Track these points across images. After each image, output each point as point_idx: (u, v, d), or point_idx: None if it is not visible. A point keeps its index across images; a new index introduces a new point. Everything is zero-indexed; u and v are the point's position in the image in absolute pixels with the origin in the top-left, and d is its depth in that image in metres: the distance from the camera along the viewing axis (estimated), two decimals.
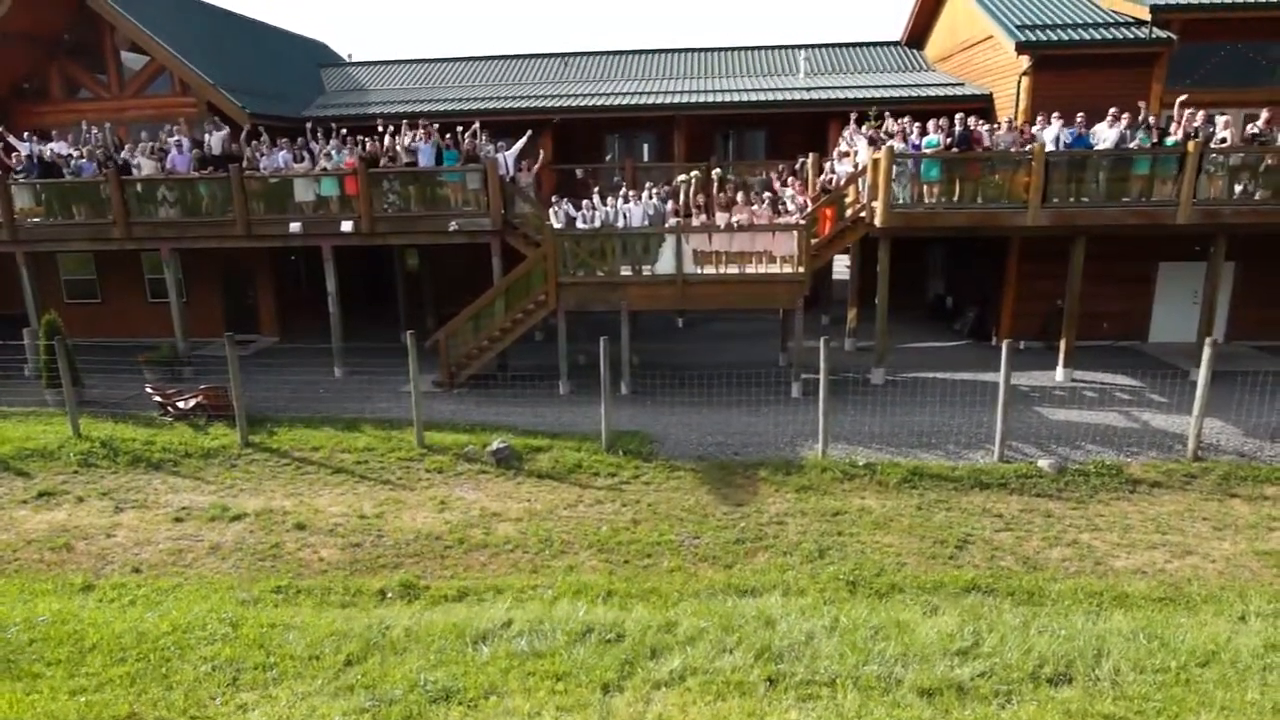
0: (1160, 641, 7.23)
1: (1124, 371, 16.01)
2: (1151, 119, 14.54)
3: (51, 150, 17.22)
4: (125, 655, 7.21)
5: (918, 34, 23.95)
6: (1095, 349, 17.22)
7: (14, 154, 17.30)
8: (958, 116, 14.80)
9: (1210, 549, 9.77)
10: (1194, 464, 11.86)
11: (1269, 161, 13.78)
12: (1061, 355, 15.50)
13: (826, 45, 24.75)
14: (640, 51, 25.52)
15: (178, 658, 7.16)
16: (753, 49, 25.12)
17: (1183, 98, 14.95)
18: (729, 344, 19.62)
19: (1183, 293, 17.36)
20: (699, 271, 14.95)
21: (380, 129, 17.20)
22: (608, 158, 23.59)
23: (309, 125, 17.78)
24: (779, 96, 20.42)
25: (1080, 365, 15.89)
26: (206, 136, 16.99)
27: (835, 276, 22.54)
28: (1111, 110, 14.32)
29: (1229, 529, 10.24)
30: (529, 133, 17.36)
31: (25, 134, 18.11)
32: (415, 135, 16.55)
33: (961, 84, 20.01)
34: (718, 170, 16.39)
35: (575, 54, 25.52)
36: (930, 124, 14.95)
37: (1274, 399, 13.07)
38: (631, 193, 15.50)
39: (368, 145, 16.59)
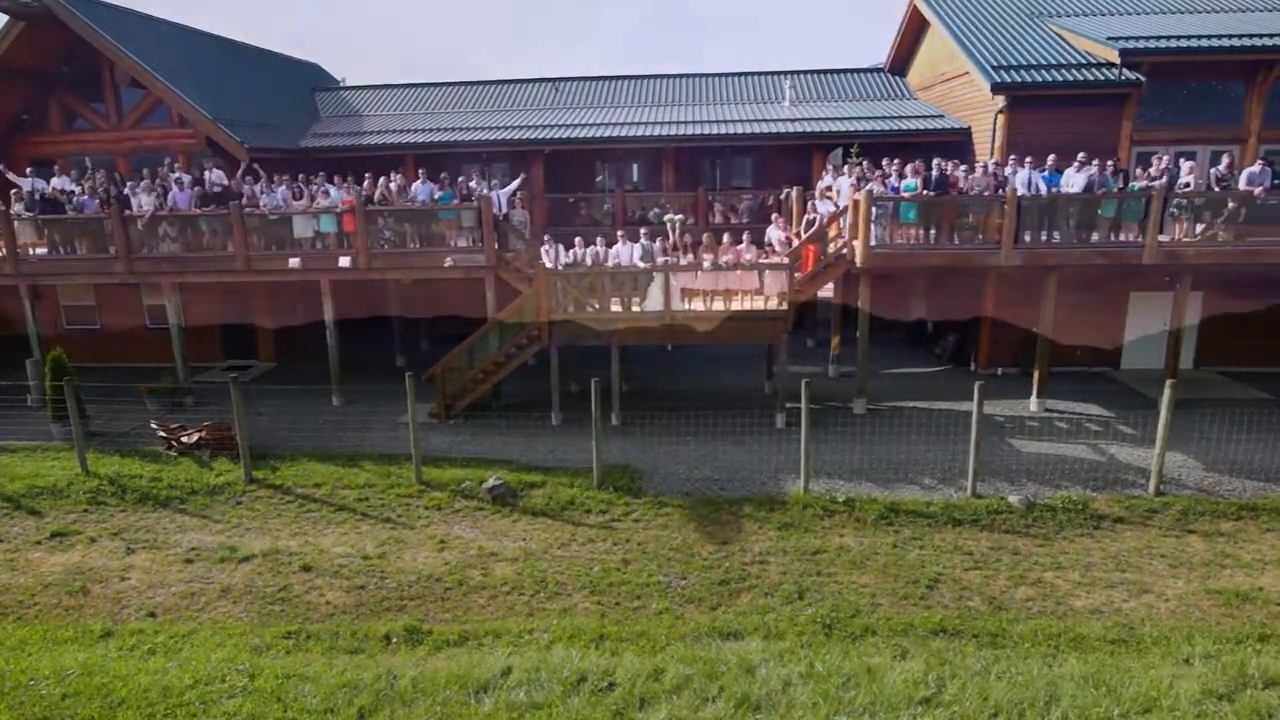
0: (1107, 689, 7.85)
1: (1095, 400, 16.70)
2: (1111, 164, 15.17)
3: (53, 187, 17.63)
4: (153, 711, 7.73)
5: (900, 61, 24.55)
6: (1069, 376, 17.88)
7: (15, 190, 17.69)
8: (935, 161, 15.42)
9: (1165, 587, 10.41)
10: (1156, 498, 12.52)
11: (1230, 205, 14.44)
12: (1035, 386, 16.16)
13: (812, 71, 25.36)
14: (629, 77, 26.10)
15: (203, 713, 7.69)
16: (740, 75, 25.72)
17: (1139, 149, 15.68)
18: (716, 368, 20.20)
19: (1153, 321, 18.03)
20: (686, 308, 15.54)
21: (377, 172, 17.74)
22: (598, 179, 24.17)
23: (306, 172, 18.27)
24: (765, 128, 20.99)
25: (1054, 394, 16.55)
26: (206, 174, 17.42)
27: (821, 295, 23.09)
28: (1080, 155, 14.95)
29: (1184, 566, 10.88)
30: (522, 175, 17.92)
31: (27, 170, 18.52)
32: (400, 179, 17.18)
33: (942, 115, 20.62)
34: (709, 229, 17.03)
35: (566, 79, 26.05)
36: (908, 168, 15.54)
37: (1236, 430, 13.72)
38: (620, 233, 16.05)
39: (365, 185, 17.08)
